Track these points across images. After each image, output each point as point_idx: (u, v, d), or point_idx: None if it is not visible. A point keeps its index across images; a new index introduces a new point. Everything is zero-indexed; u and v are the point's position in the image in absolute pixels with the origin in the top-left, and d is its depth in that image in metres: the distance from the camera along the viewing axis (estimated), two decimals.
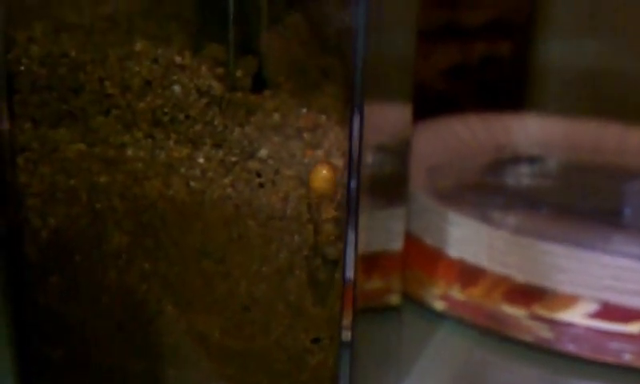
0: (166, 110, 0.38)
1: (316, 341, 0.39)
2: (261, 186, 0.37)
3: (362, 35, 0.36)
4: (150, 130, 0.38)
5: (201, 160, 0.38)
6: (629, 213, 0.59)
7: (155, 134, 0.38)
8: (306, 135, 0.38)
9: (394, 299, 0.48)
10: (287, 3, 0.44)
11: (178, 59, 0.37)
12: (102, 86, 0.38)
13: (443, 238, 0.54)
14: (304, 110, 0.38)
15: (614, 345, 0.49)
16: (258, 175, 0.37)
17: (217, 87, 0.37)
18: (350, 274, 0.38)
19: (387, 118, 0.43)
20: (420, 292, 0.54)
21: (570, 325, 0.50)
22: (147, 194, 0.39)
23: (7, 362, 0.45)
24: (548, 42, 0.88)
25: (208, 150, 0.38)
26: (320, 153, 0.37)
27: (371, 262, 0.41)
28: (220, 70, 0.38)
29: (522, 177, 0.67)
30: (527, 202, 0.60)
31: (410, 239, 0.53)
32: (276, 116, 0.38)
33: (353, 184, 0.37)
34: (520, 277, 0.52)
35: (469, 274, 0.53)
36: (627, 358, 0.49)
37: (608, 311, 0.49)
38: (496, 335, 0.52)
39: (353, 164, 0.37)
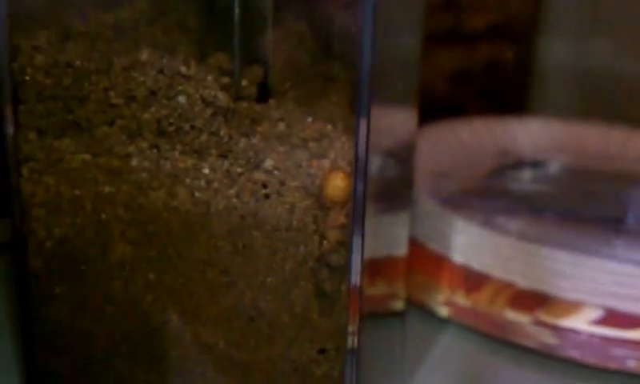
0: (171, 120, 0.38)
1: (322, 352, 0.39)
2: (266, 196, 0.37)
3: (369, 39, 0.35)
4: (155, 141, 0.38)
5: (206, 170, 0.38)
6: (633, 219, 0.59)
7: (160, 145, 0.38)
8: (311, 145, 0.37)
9: (399, 305, 0.48)
10: (293, 11, 0.44)
11: (183, 69, 0.37)
12: (106, 96, 0.38)
13: (447, 244, 0.54)
14: (309, 119, 0.38)
15: (618, 351, 0.49)
16: (264, 186, 0.37)
17: (222, 97, 0.37)
18: (355, 280, 0.38)
19: (393, 122, 0.43)
20: (424, 298, 0.54)
21: (574, 331, 0.50)
22: (152, 205, 0.39)
23: (14, 373, 0.45)
24: (551, 46, 0.88)
25: (213, 161, 0.38)
26: (326, 163, 0.37)
27: (375, 268, 0.41)
28: (225, 80, 0.38)
29: (525, 181, 0.67)
30: (531, 207, 0.60)
31: (415, 244, 0.53)
32: (281, 125, 0.38)
33: (359, 189, 0.37)
34: (524, 283, 0.52)
35: (473, 280, 0.53)
36: (631, 364, 0.49)
37: (612, 318, 0.49)
38: (500, 341, 0.52)
39: (359, 169, 0.37)
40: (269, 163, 0.37)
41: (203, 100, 0.37)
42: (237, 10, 0.39)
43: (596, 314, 0.50)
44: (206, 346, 0.39)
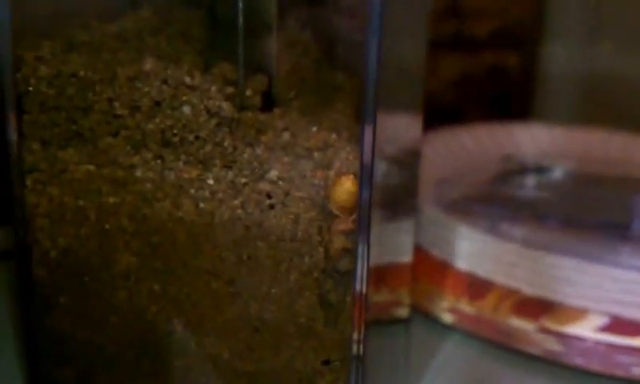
0: (175, 130, 0.38)
1: (327, 362, 0.39)
2: (271, 207, 0.37)
3: (375, 46, 0.35)
4: (159, 151, 0.38)
5: (210, 181, 0.38)
6: (638, 225, 0.59)
7: (165, 155, 0.38)
8: (316, 155, 0.37)
9: (403, 312, 0.48)
10: (297, 20, 0.44)
11: (187, 80, 0.37)
12: (111, 107, 0.38)
13: (451, 251, 0.54)
14: (314, 129, 0.38)
15: (624, 358, 0.49)
16: (269, 196, 0.37)
17: (227, 108, 0.37)
18: (360, 287, 0.38)
19: (398, 129, 0.43)
20: (428, 305, 0.54)
21: (579, 338, 0.50)
22: (156, 215, 0.39)
23: (18, 383, 0.45)
24: (554, 51, 0.88)
25: (218, 171, 0.38)
26: (331, 173, 0.37)
27: (380, 275, 0.41)
28: (230, 90, 0.38)
29: (529, 187, 0.67)
30: (535, 213, 0.60)
31: (419, 251, 0.53)
32: (286, 135, 0.38)
33: (365, 197, 0.37)
34: (529, 290, 0.52)
35: (477, 287, 0.53)
36: (636, 371, 0.49)
37: (617, 325, 0.49)
38: (504, 348, 0.52)
39: (365, 177, 0.37)
40: (273, 174, 0.37)
41: (207, 110, 0.37)
42: (241, 20, 0.39)
43: (601, 321, 0.50)
44: (211, 357, 0.39)
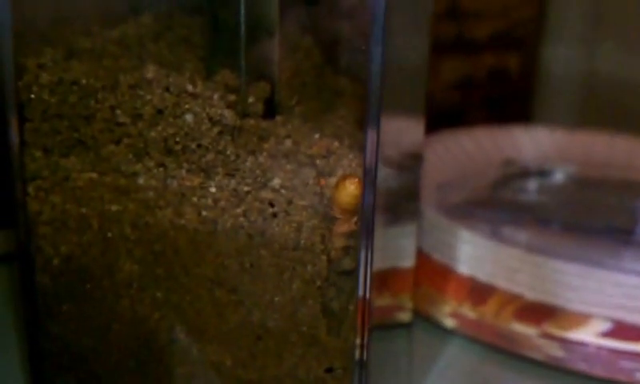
0: (177, 138, 0.38)
1: (329, 370, 0.39)
2: (274, 215, 0.37)
3: (379, 49, 0.35)
4: (161, 159, 0.38)
5: (213, 189, 0.38)
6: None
7: (167, 163, 0.38)
8: (319, 162, 0.37)
9: (405, 316, 0.48)
10: (299, 25, 0.44)
11: (189, 88, 0.37)
12: (113, 115, 0.38)
13: (453, 255, 0.54)
14: (317, 136, 0.38)
15: (626, 364, 0.49)
16: (271, 205, 0.37)
17: (229, 116, 0.37)
18: (363, 292, 0.38)
19: (401, 133, 0.43)
20: (430, 309, 0.54)
21: (581, 344, 0.49)
22: (159, 223, 0.38)
23: None
24: (555, 53, 0.88)
25: (220, 180, 0.37)
26: (333, 180, 0.37)
27: (383, 280, 0.41)
28: (232, 97, 0.37)
29: (531, 191, 0.67)
30: (537, 217, 0.60)
31: (421, 256, 0.52)
32: (288, 142, 0.38)
33: (368, 201, 0.37)
34: (531, 295, 0.51)
35: (479, 292, 0.53)
36: (639, 376, 0.49)
37: (620, 330, 0.49)
38: (507, 353, 0.52)
39: (368, 180, 0.36)
40: (276, 182, 0.37)
41: (210, 118, 0.37)
42: (243, 26, 0.39)
43: (604, 326, 0.49)
44: (213, 365, 0.39)
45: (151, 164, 0.38)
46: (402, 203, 0.46)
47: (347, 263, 0.37)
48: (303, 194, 0.37)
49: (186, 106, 0.37)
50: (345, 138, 0.38)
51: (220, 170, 0.37)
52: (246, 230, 0.38)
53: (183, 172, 0.38)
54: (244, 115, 0.38)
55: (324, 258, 0.37)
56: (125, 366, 0.41)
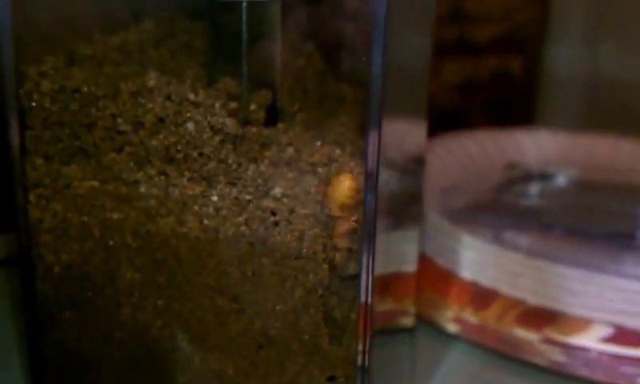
0: (179, 147, 0.37)
1: (332, 379, 0.39)
2: (275, 224, 0.37)
3: (380, 48, 0.35)
4: (163, 167, 0.38)
5: (214, 198, 0.38)
6: None
7: (168, 172, 0.38)
8: (320, 170, 0.37)
9: (408, 321, 0.48)
10: (302, 32, 0.44)
11: (191, 96, 0.37)
12: (114, 123, 0.38)
13: (456, 260, 0.54)
14: (318, 143, 0.38)
15: (628, 369, 0.49)
16: (273, 213, 0.37)
17: (230, 124, 0.37)
18: (365, 297, 0.38)
19: (403, 136, 0.43)
20: (433, 314, 0.54)
21: (583, 349, 0.49)
22: (160, 232, 0.38)
23: None
24: (558, 56, 0.88)
25: (222, 188, 0.37)
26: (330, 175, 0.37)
27: (385, 284, 0.41)
28: (233, 105, 0.37)
29: (533, 195, 0.67)
30: (539, 222, 0.60)
31: (423, 260, 0.52)
32: (290, 150, 0.38)
33: (370, 204, 0.37)
34: (533, 299, 0.51)
35: (481, 297, 0.53)
36: None
37: (622, 335, 0.49)
38: (509, 358, 0.52)
39: (370, 184, 0.36)
40: (277, 191, 0.37)
41: (211, 127, 0.37)
42: (244, 33, 0.39)
43: (605, 331, 0.49)
44: (215, 373, 0.39)
45: (153, 172, 0.38)
46: (405, 207, 0.46)
47: (353, 267, 0.37)
48: (305, 203, 0.37)
49: (188, 115, 0.37)
50: (346, 145, 0.38)
51: (222, 178, 0.37)
52: (248, 238, 0.37)
53: (185, 180, 0.38)
54: (246, 123, 0.38)
55: (326, 266, 0.37)
56: (126, 374, 0.41)
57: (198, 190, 0.38)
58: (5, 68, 0.39)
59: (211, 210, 0.38)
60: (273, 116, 0.40)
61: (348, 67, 0.45)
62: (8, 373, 0.47)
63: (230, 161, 0.37)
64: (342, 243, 0.37)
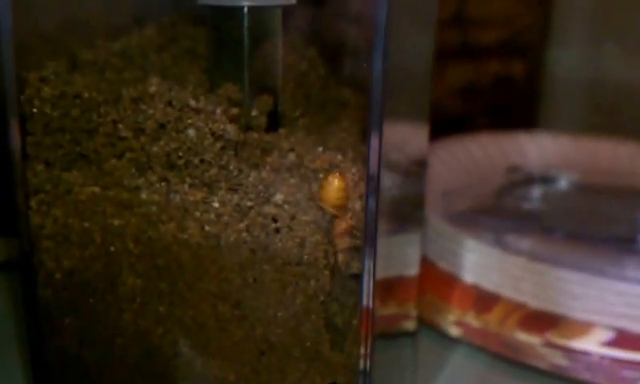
0: (180, 153, 0.37)
1: None
2: (277, 231, 0.37)
3: (381, 50, 0.35)
4: (164, 174, 0.38)
5: (216, 204, 0.38)
6: None
7: (170, 178, 0.38)
8: (322, 176, 0.37)
9: (410, 325, 0.48)
10: (303, 37, 0.44)
11: (192, 102, 0.37)
12: (115, 129, 0.38)
13: (458, 263, 0.54)
14: (320, 149, 0.38)
15: (629, 373, 0.49)
16: (274, 220, 0.37)
17: (232, 131, 0.37)
18: (367, 301, 0.38)
19: (405, 139, 0.43)
20: (435, 318, 0.54)
21: (584, 353, 0.49)
22: (162, 238, 0.38)
23: None
24: (560, 60, 0.87)
25: (223, 194, 0.37)
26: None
27: (387, 288, 0.41)
28: (235, 111, 0.37)
29: (535, 199, 0.67)
30: (541, 225, 0.60)
31: (426, 264, 0.52)
32: (291, 156, 0.38)
33: (371, 207, 0.36)
34: (535, 303, 0.51)
35: (483, 300, 0.53)
36: None
37: (623, 339, 0.49)
38: (511, 362, 0.52)
39: (371, 187, 0.36)
40: (279, 197, 0.37)
41: (212, 133, 0.37)
42: (246, 39, 0.39)
43: (607, 335, 0.49)
44: (217, 379, 0.39)
45: (154, 178, 0.38)
46: (407, 210, 0.45)
47: (356, 266, 0.37)
48: (306, 209, 0.37)
49: (189, 121, 0.37)
50: (348, 150, 0.38)
51: (223, 184, 0.37)
52: (249, 244, 0.37)
53: (186, 187, 0.38)
54: (247, 128, 0.38)
55: (327, 272, 0.37)
56: (128, 380, 0.41)
57: (199, 196, 0.38)
58: (6, 74, 0.39)
59: (212, 216, 0.38)
60: (274, 121, 0.40)
61: (349, 72, 0.45)
62: (10, 378, 0.47)
63: (231, 167, 0.37)
64: (342, 243, 0.37)
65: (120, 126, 0.38)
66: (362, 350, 0.38)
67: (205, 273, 0.38)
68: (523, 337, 0.51)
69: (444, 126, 0.57)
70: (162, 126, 0.38)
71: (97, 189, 0.39)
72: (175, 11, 0.45)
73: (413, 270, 0.47)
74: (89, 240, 0.40)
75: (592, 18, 0.87)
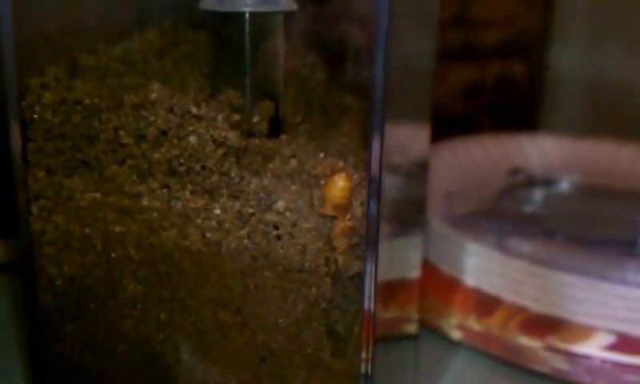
0: (181, 160, 0.37)
1: None
2: (278, 238, 0.37)
3: (383, 54, 0.35)
4: (165, 180, 0.38)
5: (217, 211, 0.37)
6: None
7: (171, 185, 0.38)
8: (323, 182, 0.37)
9: (412, 328, 0.48)
10: (305, 42, 0.44)
11: (193, 109, 0.37)
12: (116, 136, 0.38)
13: (459, 267, 0.54)
14: (321, 155, 0.38)
15: (630, 377, 0.49)
16: (276, 227, 0.37)
17: (233, 138, 0.37)
18: (368, 304, 0.37)
19: (406, 141, 0.43)
20: (437, 321, 0.54)
21: (586, 357, 0.49)
22: (163, 244, 0.38)
23: None
24: (562, 60, 0.87)
25: (225, 201, 0.37)
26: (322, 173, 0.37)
27: (389, 291, 0.41)
28: (236, 117, 0.37)
29: (536, 201, 0.67)
30: (542, 228, 0.60)
31: (427, 266, 0.52)
32: (293, 162, 0.38)
33: (373, 210, 0.36)
34: (536, 307, 0.51)
35: (485, 304, 0.53)
36: None
37: (624, 343, 0.49)
38: (512, 365, 0.52)
39: (373, 189, 0.36)
40: (280, 205, 0.37)
41: (214, 140, 0.37)
42: (247, 44, 0.39)
43: (608, 339, 0.49)
44: None
45: (155, 185, 0.38)
46: (408, 213, 0.45)
47: (357, 265, 0.37)
48: (307, 217, 0.37)
49: (190, 128, 0.37)
50: (349, 156, 0.38)
51: (224, 191, 0.37)
52: (251, 251, 0.37)
53: (187, 193, 0.38)
54: (249, 135, 0.38)
55: (328, 279, 0.37)
56: None
57: (200, 203, 0.38)
58: (7, 80, 0.39)
59: (214, 223, 0.38)
60: (276, 127, 0.40)
61: (351, 77, 0.45)
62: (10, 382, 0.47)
63: (232, 174, 0.37)
64: (341, 244, 0.37)
65: (121, 132, 0.38)
66: (364, 354, 0.38)
67: (206, 279, 0.38)
68: (524, 341, 0.51)
69: (445, 126, 0.57)
70: (164, 133, 0.37)
71: (98, 195, 0.39)
72: (176, 15, 0.45)
73: (414, 273, 0.47)
74: (90, 246, 0.39)
75: (594, 18, 0.87)
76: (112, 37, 0.44)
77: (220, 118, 0.37)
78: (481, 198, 0.64)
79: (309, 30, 0.44)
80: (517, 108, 0.84)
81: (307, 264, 0.37)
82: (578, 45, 0.87)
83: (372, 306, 0.38)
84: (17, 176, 0.40)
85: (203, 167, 0.37)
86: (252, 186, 0.37)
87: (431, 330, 0.54)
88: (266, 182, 0.37)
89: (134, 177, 0.38)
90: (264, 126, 0.39)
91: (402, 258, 0.45)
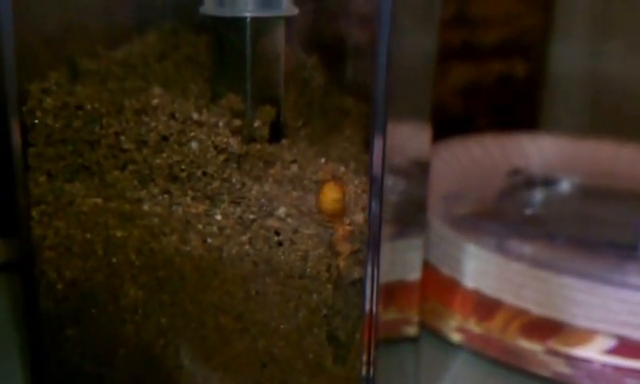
0: (182, 166, 0.37)
1: None
2: (279, 244, 0.37)
3: (385, 52, 0.35)
4: (166, 186, 0.38)
5: (218, 217, 0.37)
6: None
7: (172, 190, 0.38)
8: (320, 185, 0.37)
9: (412, 331, 0.48)
10: (305, 45, 0.44)
11: (195, 115, 0.37)
12: (117, 141, 0.38)
13: (460, 268, 0.54)
14: (322, 160, 0.38)
15: (632, 381, 0.49)
16: (277, 233, 0.37)
17: (234, 143, 0.37)
18: (370, 306, 0.37)
19: (407, 142, 0.43)
20: (437, 324, 0.54)
21: (586, 361, 0.49)
22: (164, 250, 0.38)
23: None
24: (563, 59, 0.87)
25: (226, 207, 0.37)
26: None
27: (389, 293, 0.41)
28: (237, 122, 0.37)
29: (537, 202, 0.67)
30: (543, 230, 0.59)
31: (428, 268, 0.52)
32: (294, 167, 0.38)
33: (374, 211, 0.36)
34: (537, 310, 0.51)
35: (485, 307, 0.52)
36: None
37: (625, 347, 0.49)
38: (513, 369, 0.52)
39: (374, 191, 0.36)
40: (282, 211, 0.37)
41: (215, 146, 0.37)
42: (248, 49, 0.39)
43: (609, 343, 0.49)
44: None
45: (156, 191, 0.38)
46: (409, 214, 0.45)
47: (358, 271, 0.37)
48: (309, 223, 0.37)
49: (192, 134, 0.37)
50: (350, 161, 0.38)
51: (225, 197, 0.37)
52: (252, 257, 0.37)
53: (188, 199, 0.38)
54: (250, 140, 0.38)
55: (330, 286, 0.37)
56: None
57: (201, 208, 0.38)
58: (7, 84, 0.39)
59: (215, 229, 0.37)
60: (277, 132, 0.39)
61: (352, 79, 0.45)
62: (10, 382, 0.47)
63: (233, 180, 0.37)
64: (346, 248, 0.37)
65: (122, 137, 0.38)
66: (365, 357, 0.38)
67: (207, 285, 0.38)
68: (525, 344, 0.51)
69: (446, 125, 0.57)
70: (165, 139, 0.37)
71: (99, 200, 0.39)
72: (177, 19, 0.45)
73: (415, 275, 0.47)
74: (91, 251, 0.39)
75: (594, 17, 0.87)
76: (113, 40, 0.44)
77: (221, 123, 0.37)
78: (481, 198, 0.64)
79: (309, 34, 0.44)
80: (517, 108, 0.84)
81: (308, 270, 0.37)
82: (578, 44, 0.87)
83: (374, 309, 0.38)
84: (18, 181, 0.39)
85: (204, 173, 0.37)
86: (253, 191, 0.37)
87: (431, 333, 0.54)
88: (267, 187, 0.37)
89: (135, 182, 0.38)
90: (265, 131, 0.39)
91: (402, 260, 0.45)
